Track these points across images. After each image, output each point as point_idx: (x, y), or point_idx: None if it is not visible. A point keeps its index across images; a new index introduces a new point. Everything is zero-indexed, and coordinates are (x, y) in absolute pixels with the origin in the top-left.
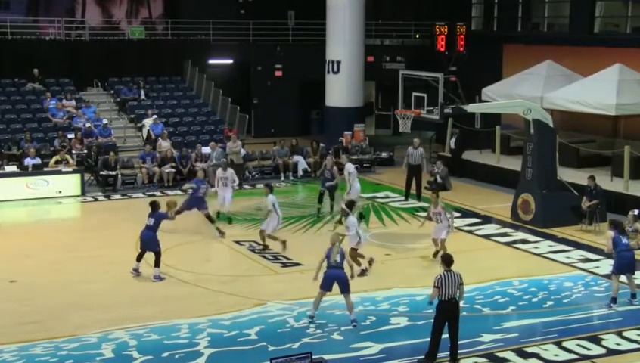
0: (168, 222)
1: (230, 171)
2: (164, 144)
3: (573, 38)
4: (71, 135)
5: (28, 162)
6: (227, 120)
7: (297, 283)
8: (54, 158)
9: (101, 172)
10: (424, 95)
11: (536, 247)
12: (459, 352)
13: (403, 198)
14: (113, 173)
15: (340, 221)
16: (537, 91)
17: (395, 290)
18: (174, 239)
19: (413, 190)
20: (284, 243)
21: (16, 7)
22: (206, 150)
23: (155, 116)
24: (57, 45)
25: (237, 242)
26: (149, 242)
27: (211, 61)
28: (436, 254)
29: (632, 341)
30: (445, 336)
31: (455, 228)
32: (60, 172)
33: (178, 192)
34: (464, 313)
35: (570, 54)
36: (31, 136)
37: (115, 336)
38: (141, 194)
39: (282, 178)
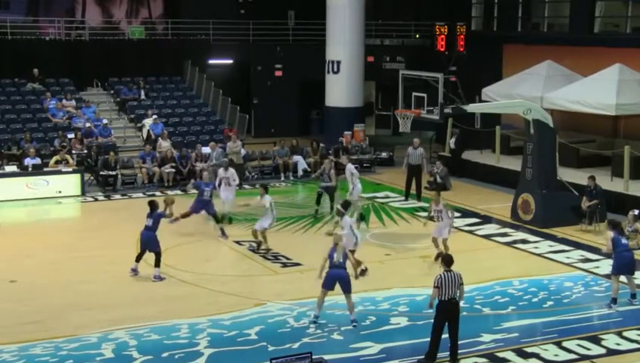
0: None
1: (231, 170)
2: (164, 144)
3: (573, 38)
4: (71, 135)
5: (28, 162)
6: (227, 120)
7: (297, 283)
8: (54, 158)
9: (101, 172)
10: (424, 95)
11: (536, 247)
12: (459, 352)
13: (403, 198)
14: (113, 173)
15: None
16: (537, 91)
17: (395, 290)
18: (174, 239)
19: (413, 190)
20: (262, 245)
21: (16, 7)
22: (206, 150)
23: (155, 116)
24: (57, 45)
25: (237, 242)
26: (149, 242)
27: (211, 61)
28: (437, 257)
29: (632, 341)
30: (445, 336)
31: (455, 227)
32: (60, 172)
33: (179, 192)
34: (464, 313)
35: (570, 54)
36: (31, 136)
37: (115, 336)
38: (141, 194)
39: (282, 178)
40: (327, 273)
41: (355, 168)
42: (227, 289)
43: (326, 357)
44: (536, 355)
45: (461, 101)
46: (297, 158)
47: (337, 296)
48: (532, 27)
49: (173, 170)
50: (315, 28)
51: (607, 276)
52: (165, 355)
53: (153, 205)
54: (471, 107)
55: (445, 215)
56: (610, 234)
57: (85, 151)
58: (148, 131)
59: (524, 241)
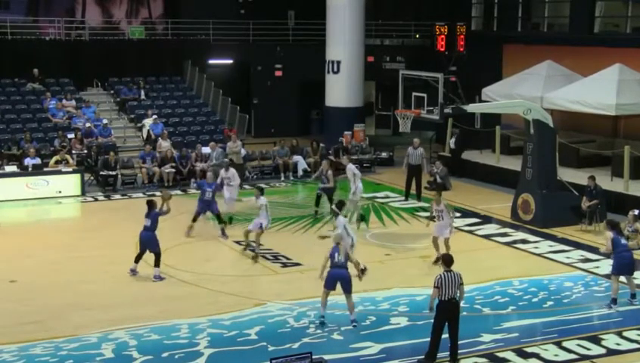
0: (169, 222)
1: (232, 171)
2: (164, 144)
3: (573, 38)
4: (71, 135)
5: (28, 162)
6: (227, 120)
7: (297, 283)
8: (54, 158)
9: (101, 172)
10: (424, 95)
11: (536, 247)
12: (459, 352)
13: (403, 198)
14: (113, 173)
15: (362, 220)
16: (537, 91)
17: (395, 290)
18: (174, 239)
19: (413, 190)
20: (248, 248)
21: (16, 7)
22: (206, 150)
23: (155, 116)
24: (57, 45)
25: (238, 242)
26: (148, 242)
27: (211, 61)
28: (436, 261)
29: (632, 341)
30: (445, 336)
31: (455, 227)
32: (60, 172)
33: (179, 192)
34: (464, 313)
35: (570, 54)
36: (31, 136)
37: (115, 336)
38: (141, 194)
39: (282, 178)
40: (328, 273)
41: (356, 168)
42: (227, 289)
43: (326, 357)
44: (536, 355)
45: (461, 101)
46: (297, 158)
47: (337, 296)
48: (532, 27)
49: (173, 170)
50: (315, 28)
51: (607, 276)
52: (165, 355)
53: (151, 204)
54: (471, 107)
55: (446, 215)
56: (610, 234)
57: (85, 151)
58: (148, 131)
59: (524, 241)
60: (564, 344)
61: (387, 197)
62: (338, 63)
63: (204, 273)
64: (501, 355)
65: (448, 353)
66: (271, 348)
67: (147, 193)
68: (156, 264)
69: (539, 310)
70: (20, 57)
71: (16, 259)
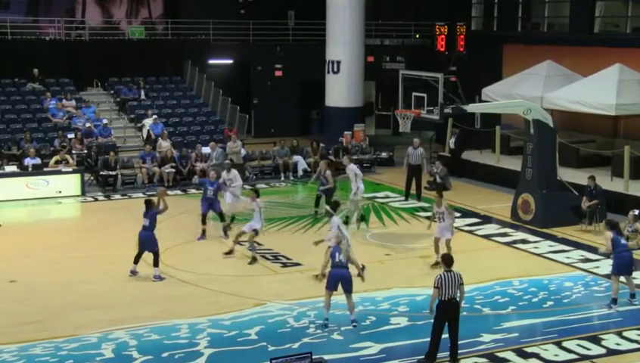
0: (168, 222)
1: (234, 172)
2: (164, 144)
3: (573, 38)
4: (71, 135)
5: (28, 162)
6: (227, 120)
7: (297, 283)
8: (54, 158)
9: (101, 172)
10: (424, 95)
11: (536, 247)
12: (459, 352)
13: (403, 198)
14: (113, 173)
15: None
16: (537, 91)
17: (395, 290)
18: (174, 239)
19: (413, 190)
20: (228, 251)
21: (16, 7)
22: (206, 150)
23: (155, 116)
24: (57, 45)
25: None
26: (147, 242)
27: (211, 61)
28: (436, 265)
29: (632, 341)
30: (445, 336)
31: (455, 228)
32: (60, 172)
33: (179, 192)
34: (464, 313)
35: (570, 54)
36: (31, 136)
37: (115, 336)
38: (141, 194)
39: (282, 178)
40: (329, 273)
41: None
42: (227, 289)
43: (326, 357)
44: (536, 355)
45: (461, 101)
46: (297, 158)
47: (337, 296)
48: (532, 27)
49: (173, 170)
50: (315, 28)
51: (607, 276)
52: (165, 355)
53: (149, 204)
54: (471, 107)
55: (447, 217)
56: (610, 234)
57: (85, 151)
58: (148, 131)
59: (524, 241)
60: (564, 344)
61: (387, 197)
62: (338, 63)
63: (204, 273)
64: (501, 355)
65: (448, 353)
66: (271, 348)
67: (147, 193)
68: (155, 263)
69: (539, 310)
70: (20, 57)
71: (16, 259)
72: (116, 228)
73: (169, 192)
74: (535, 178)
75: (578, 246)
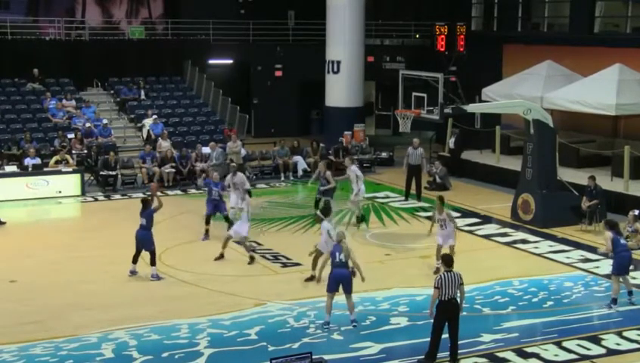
0: (168, 222)
1: (239, 175)
2: (164, 144)
3: (573, 38)
4: (71, 135)
5: (28, 162)
6: (227, 120)
7: (297, 283)
8: (54, 158)
9: (101, 172)
10: (424, 95)
11: (536, 247)
12: (459, 352)
13: (403, 198)
14: (113, 173)
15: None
16: (537, 91)
17: (395, 290)
18: (174, 239)
19: (413, 190)
20: (219, 255)
21: (16, 7)
22: (206, 150)
23: (155, 116)
24: (57, 45)
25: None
26: (144, 241)
27: (211, 61)
28: (437, 271)
29: (632, 341)
30: (445, 336)
31: (455, 228)
32: (60, 172)
33: (179, 192)
34: (464, 313)
35: (570, 54)
36: (31, 136)
37: (115, 336)
38: (141, 194)
39: (282, 178)
40: (330, 274)
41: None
42: (227, 289)
43: (326, 357)
44: (536, 355)
45: (461, 101)
46: (297, 158)
47: (337, 296)
48: (532, 27)
49: (173, 170)
50: (315, 28)
51: (607, 276)
52: (165, 355)
53: (145, 202)
54: (471, 107)
55: (449, 224)
56: (610, 234)
57: (85, 151)
58: (148, 131)
59: (524, 241)
60: (564, 344)
61: (387, 197)
62: (338, 63)
63: (204, 273)
64: (501, 355)
65: (448, 353)
66: (271, 348)
67: (147, 193)
68: (152, 262)
69: (539, 310)
70: (20, 57)
71: (16, 259)
72: (116, 228)
73: (168, 192)
74: (535, 178)
75: (578, 246)
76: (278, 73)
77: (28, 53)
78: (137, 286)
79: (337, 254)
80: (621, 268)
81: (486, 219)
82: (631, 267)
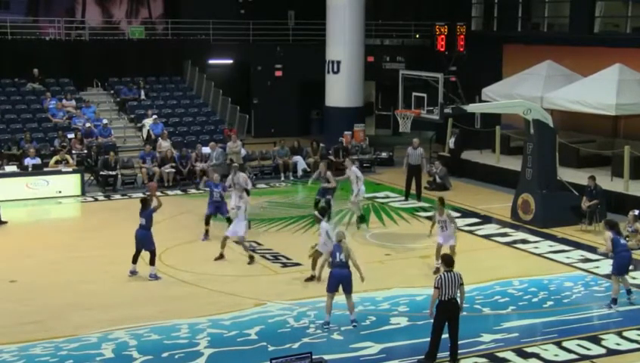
0: (168, 222)
1: (241, 175)
2: (164, 144)
3: (573, 38)
4: (71, 135)
5: (28, 162)
6: (227, 120)
7: (297, 283)
8: (54, 158)
9: (101, 172)
10: (424, 95)
11: (536, 247)
12: (459, 352)
13: (403, 198)
14: (113, 173)
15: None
16: (537, 91)
17: (395, 290)
18: (174, 239)
19: (413, 191)
20: (219, 255)
21: (16, 7)
22: (206, 150)
23: (155, 116)
24: (57, 45)
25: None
26: (144, 241)
27: (211, 61)
28: (437, 271)
29: (632, 341)
30: (445, 336)
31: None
32: (60, 172)
33: (179, 192)
34: (464, 313)
35: (570, 54)
36: (31, 136)
37: (115, 336)
38: (141, 194)
39: (282, 178)
40: (330, 274)
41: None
42: (227, 289)
43: (326, 357)
44: (536, 355)
45: (461, 101)
46: (297, 158)
47: (337, 296)
48: (532, 27)
49: (173, 170)
50: (315, 28)
51: (607, 276)
52: (165, 355)
53: (145, 202)
54: (471, 107)
55: (450, 225)
56: (609, 234)
57: (85, 151)
58: (148, 131)
59: (524, 241)
60: (564, 344)
61: (387, 197)
62: (338, 63)
63: (204, 273)
64: (501, 355)
65: (448, 353)
66: (271, 348)
67: (147, 193)
68: (151, 262)
69: (539, 310)
70: (20, 57)
71: (16, 259)
72: (116, 228)
73: (169, 192)
74: (535, 178)
75: (578, 246)
76: (278, 73)
77: (28, 53)
78: (137, 286)
79: (338, 254)
80: (621, 268)
81: (486, 219)
82: (631, 267)
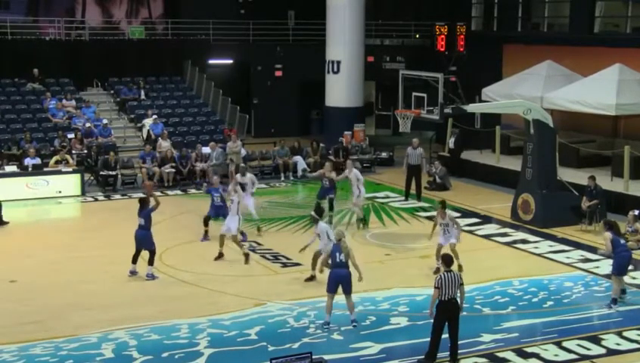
0: (168, 222)
1: (249, 176)
2: (164, 144)
3: (573, 38)
4: (71, 135)
5: (28, 162)
6: (227, 120)
7: (297, 283)
8: (54, 158)
9: (101, 172)
10: (424, 95)
11: (536, 247)
12: (459, 352)
13: (403, 198)
14: (113, 173)
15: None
16: (537, 91)
17: (395, 290)
18: (174, 239)
19: (413, 190)
20: (218, 255)
21: (16, 7)
22: (206, 150)
23: (155, 116)
24: (57, 45)
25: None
26: (143, 240)
27: (211, 61)
28: (437, 271)
29: (632, 341)
30: (445, 336)
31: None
32: (60, 172)
33: (179, 192)
34: (464, 313)
35: (570, 54)
36: (31, 136)
37: (115, 336)
38: (141, 194)
39: (282, 178)
40: (329, 274)
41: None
42: (227, 289)
43: (326, 357)
44: (536, 355)
45: (461, 101)
46: (297, 158)
47: (337, 296)
48: (532, 27)
49: (173, 170)
50: (315, 28)
51: (607, 276)
52: (165, 355)
53: (143, 202)
54: (471, 107)
55: (452, 228)
56: (609, 234)
57: (85, 151)
58: (148, 131)
59: (524, 241)
60: (564, 344)
61: (387, 197)
62: (338, 63)
63: (204, 273)
64: (501, 355)
65: (448, 353)
66: (271, 348)
67: (144, 192)
68: (150, 262)
69: (539, 310)
70: (20, 57)
71: (16, 259)
72: (116, 228)
73: (169, 192)
74: (535, 178)
75: (578, 246)
76: (278, 73)
77: (28, 53)
78: (137, 287)
79: (337, 254)
80: (621, 268)
81: (486, 219)
82: (630, 267)
